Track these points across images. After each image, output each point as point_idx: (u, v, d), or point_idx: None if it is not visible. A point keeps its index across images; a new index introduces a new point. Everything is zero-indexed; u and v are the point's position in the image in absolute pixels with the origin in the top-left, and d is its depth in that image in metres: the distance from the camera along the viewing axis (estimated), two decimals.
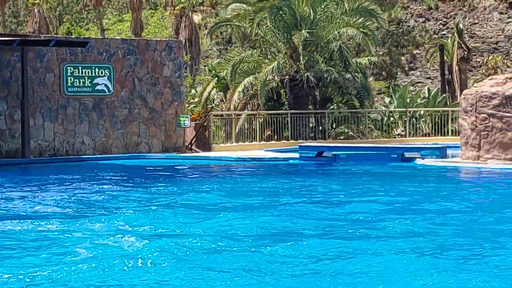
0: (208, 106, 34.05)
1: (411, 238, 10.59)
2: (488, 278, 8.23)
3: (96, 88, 27.22)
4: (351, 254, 9.61)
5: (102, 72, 27.23)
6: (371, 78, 44.20)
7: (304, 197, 15.64)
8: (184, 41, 42.78)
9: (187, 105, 33.36)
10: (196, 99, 35.16)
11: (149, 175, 21.94)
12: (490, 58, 56.86)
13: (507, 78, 23.14)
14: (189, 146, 28.83)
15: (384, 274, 8.53)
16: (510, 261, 9.23)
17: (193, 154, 28.06)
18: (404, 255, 9.42)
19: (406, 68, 55.04)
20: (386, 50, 52.78)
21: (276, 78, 32.59)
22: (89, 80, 27.10)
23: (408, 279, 8.31)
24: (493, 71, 52.89)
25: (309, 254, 9.63)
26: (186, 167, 24.78)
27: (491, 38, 57.05)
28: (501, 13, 57.02)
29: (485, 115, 22.41)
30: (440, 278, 8.19)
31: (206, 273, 8.63)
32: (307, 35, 30.92)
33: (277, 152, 27.66)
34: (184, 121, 27.86)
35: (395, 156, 23.99)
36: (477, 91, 22.79)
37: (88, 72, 27.04)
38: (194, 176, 22.30)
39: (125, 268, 8.82)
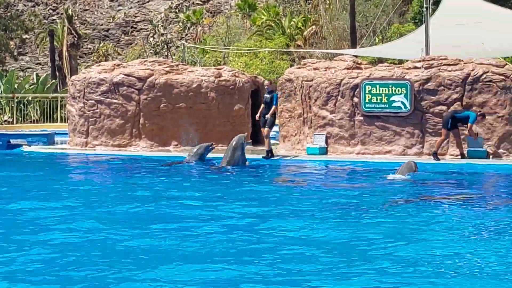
0: None
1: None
2: None
3: None
4: None
5: None
6: None
7: None
8: None
9: None
10: None
11: None
12: (101, 45, 57.30)
13: (115, 65, 23.23)
14: None
15: None
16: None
17: None
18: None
19: (15, 53, 53.49)
20: None
21: None
22: None
23: None
24: (104, 58, 53.38)
25: None
26: None
27: (102, 25, 57.46)
28: (112, 0, 57.69)
29: (93, 101, 22.27)
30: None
31: None
32: None
33: None
34: None
35: (0, 143, 23.08)
36: (85, 77, 22.63)
37: None
38: None
39: None
